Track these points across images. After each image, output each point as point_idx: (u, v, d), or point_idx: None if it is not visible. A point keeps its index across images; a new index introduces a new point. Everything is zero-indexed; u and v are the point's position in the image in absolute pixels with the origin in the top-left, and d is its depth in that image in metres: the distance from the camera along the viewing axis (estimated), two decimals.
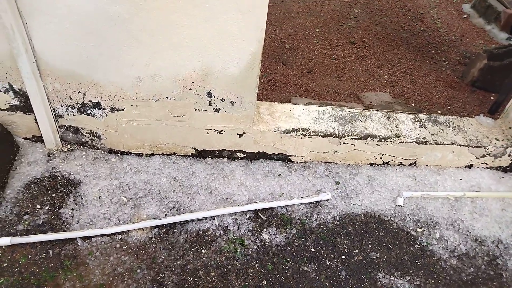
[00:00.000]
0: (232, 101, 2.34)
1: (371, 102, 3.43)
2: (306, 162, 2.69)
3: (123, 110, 2.37)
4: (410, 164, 2.72)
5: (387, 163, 2.71)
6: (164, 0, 1.90)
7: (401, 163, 2.71)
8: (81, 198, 2.32)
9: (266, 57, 4.03)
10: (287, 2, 5.33)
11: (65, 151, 2.56)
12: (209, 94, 2.30)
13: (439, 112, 3.43)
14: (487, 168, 2.76)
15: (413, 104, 3.50)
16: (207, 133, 2.50)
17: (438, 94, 3.73)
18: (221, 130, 2.49)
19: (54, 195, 2.33)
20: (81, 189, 2.37)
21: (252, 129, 2.49)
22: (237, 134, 2.52)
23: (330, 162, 2.70)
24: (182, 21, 1.98)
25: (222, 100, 2.33)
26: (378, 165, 2.72)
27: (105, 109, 2.37)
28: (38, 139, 2.54)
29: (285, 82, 3.66)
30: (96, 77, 2.22)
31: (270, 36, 4.45)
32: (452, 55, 4.58)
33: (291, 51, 4.22)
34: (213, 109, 2.37)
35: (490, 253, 2.32)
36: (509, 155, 2.68)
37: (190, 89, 2.27)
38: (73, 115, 2.42)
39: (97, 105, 2.36)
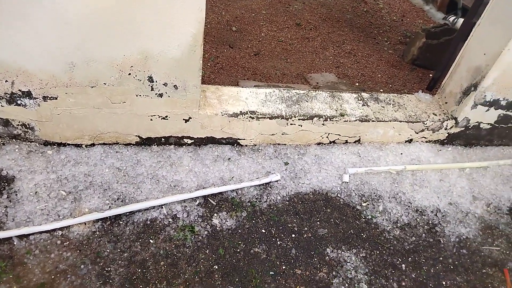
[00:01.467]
0: (176, 85, 2.26)
1: (317, 83, 3.47)
2: (255, 145, 2.69)
3: (56, 98, 2.21)
4: (355, 142, 2.80)
5: (334, 141, 2.77)
6: None
7: (346, 141, 2.78)
8: (16, 195, 2.16)
9: (212, 40, 3.94)
10: None
11: None
12: (151, 79, 2.21)
13: (381, 90, 3.55)
14: (426, 142, 2.90)
15: (357, 84, 3.60)
16: (151, 119, 2.41)
17: (381, 73, 3.86)
18: (166, 116, 2.41)
19: None
20: (15, 185, 2.21)
21: (198, 113, 2.43)
22: (183, 119, 2.45)
23: (278, 144, 2.71)
24: (115, 4, 1.86)
25: (165, 84, 2.25)
26: (325, 144, 2.77)
27: (37, 98, 2.21)
28: None
29: (232, 65, 3.60)
30: (24, 64, 2.05)
31: (216, 18, 4.35)
32: (394, 35, 4.74)
33: (238, 34, 4.15)
34: (156, 94, 2.28)
35: (430, 222, 2.46)
36: (445, 129, 2.84)
37: (129, 74, 2.16)
38: (2, 106, 2.23)
39: (28, 94, 2.18)
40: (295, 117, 2.58)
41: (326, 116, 2.62)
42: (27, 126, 2.34)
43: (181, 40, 2.06)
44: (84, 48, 2.01)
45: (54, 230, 2.07)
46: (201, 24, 2.02)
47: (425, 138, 2.87)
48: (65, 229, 2.08)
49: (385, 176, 2.64)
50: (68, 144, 2.46)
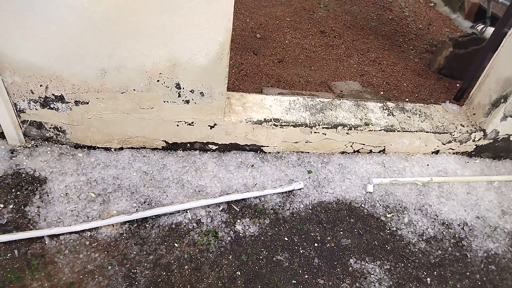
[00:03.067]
0: (202, 92, 2.30)
1: (341, 91, 3.46)
2: (278, 152, 2.70)
3: (88, 103, 2.29)
4: (379, 152, 2.77)
5: (357, 151, 2.75)
6: None
7: (370, 151, 2.76)
8: (47, 196, 2.24)
9: (237, 47, 3.99)
10: None
11: (29, 147, 2.46)
12: (178, 86, 2.25)
13: (407, 100, 3.51)
14: (453, 153, 2.85)
15: (381, 93, 3.56)
16: (178, 125, 2.46)
17: (406, 82, 3.81)
18: (192, 122, 2.46)
19: (18, 193, 2.24)
20: (47, 186, 2.29)
21: (223, 120, 2.47)
22: (208, 125, 2.49)
23: (302, 152, 2.72)
24: (144, 10, 1.92)
25: (192, 91, 2.29)
26: (348, 153, 2.76)
27: (69, 102, 2.29)
28: (0, 135, 2.43)
29: (256, 72, 3.63)
30: (58, 69, 2.13)
31: (241, 25, 4.40)
32: (420, 43, 4.68)
33: (262, 41, 4.19)
34: (183, 100, 2.33)
35: (456, 236, 2.41)
36: (473, 141, 2.78)
37: (158, 80, 2.22)
38: (36, 109, 2.32)
39: (61, 99, 2.27)
40: (319, 125, 2.58)
41: (351, 125, 2.61)
42: (59, 129, 2.42)
43: (208, 49, 2.10)
44: (115, 55, 2.08)
45: (83, 231, 2.13)
46: (228, 33, 2.06)
47: (452, 149, 2.82)
48: (93, 230, 2.14)
49: (411, 187, 2.60)
50: (98, 148, 2.53)
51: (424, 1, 5.98)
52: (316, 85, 3.56)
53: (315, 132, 2.60)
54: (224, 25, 2.01)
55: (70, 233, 2.11)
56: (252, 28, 4.40)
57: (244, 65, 3.72)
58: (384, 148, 2.76)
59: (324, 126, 2.59)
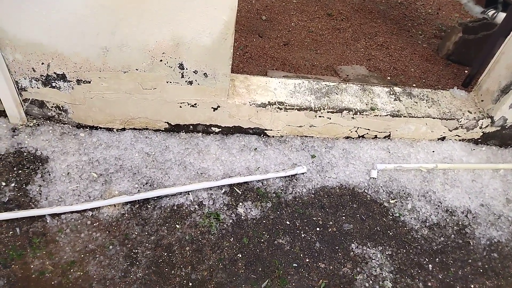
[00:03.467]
0: (206, 73, 2.26)
1: (347, 75, 3.40)
2: (282, 136, 2.67)
3: (90, 82, 2.26)
4: (385, 137, 2.74)
5: (362, 136, 2.72)
6: None
7: (375, 136, 2.73)
8: (49, 175, 2.24)
9: (242, 29, 3.91)
10: None
11: (30, 126, 2.44)
12: (181, 66, 2.21)
13: (414, 85, 3.45)
14: (459, 140, 2.81)
15: (388, 78, 3.50)
16: (180, 106, 2.43)
17: (414, 67, 3.74)
18: (195, 104, 2.42)
19: (20, 171, 2.23)
20: (49, 165, 2.28)
21: (227, 102, 2.43)
22: (212, 107, 2.45)
23: (306, 136, 2.69)
24: None
25: (195, 72, 2.25)
26: (353, 138, 2.72)
27: (71, 81, 2.26)
28: (1, 113, 2.40)
29: (261, 54, 3.57)
30: (60, 47, 2.10)
31: (246, 7, 4.31)
32: (428, 28, 4.58)
33: (267, 23, 4.11)
34: (186, 81, 2.29)
35: (460, 223, 2.39)
36: (480, 128, 2.73)
37: (161, 60, 2.18)
38: (38, 88, 2.29)
39: (62, 77, 2.24)
40: (324, 109, 2.54)
41: (356, 110, 2.57)
42: (61, 109, 2.40)
43: (212, 28, 2.05)
44: (117, 32, 2.03)
45: (85, 210, 2.13)
46: (234, 12, 2.00)
47: (458, 136, 2.78)
48: (95, 210, 2.14)
49: (415, 173, 2.58)
50: (100, 128, 2.51)
51: None
52: (322, 69, 3.50)
53: (320, 116, 2.56)
54: (229, 2, 1.96)
55: (72, 212, 2.11)
56: (258, 9, 4.31)
57: (249, 47, 3.66)
58: (390, 134, 2.72)
59: (329, 110, 2.55)
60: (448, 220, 2.39)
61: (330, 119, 2.58)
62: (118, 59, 2.15)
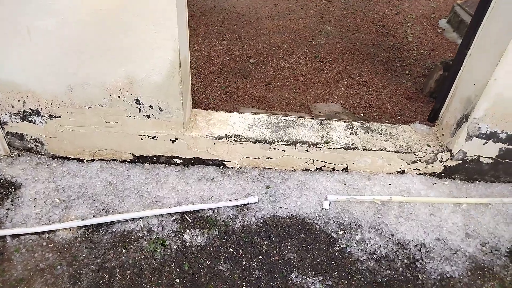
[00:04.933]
0: (160, 108, 2.47)
1: (320, 112, 3.52)
2: (240, 168, 2.78)
3: (60, 117, 2.52)
4: (342, 170, 2.78)
5: (320, 168, 2.78)
6: (84, 12, 2.07)
7: (333, 169, 2.77)
8: (18, 199, 2.46)
9: (228, 71, 4.18)
10: (262, 21, 5.53)
11: (11, 156, 2.72)
12: (138, 101, 2.44)
13: (387, 121, 3.49)
14: (420, 174, 2.79)
15: (362, 114, 3.57)
16: (141, 139, 2.63)
17: (391, 104, 3.80)
18: (154, 136, 2.62)
19: None
20: (20, 191, 2.51)
21: (184, 135, 2.61)
22: (170, 140, 2.63)
23: (264, 168, 2.78)
24: (102, 34, 2.14)
25: (151, 107, 2.47)
26: (311, 170, 2.78)
27: (44, 116, 2.53)
28: None
29: (241, 94, 3.78)
30: (32, 86, 2.39)
31: (237, 51, 4.61)
32: (417, 68, 4.64)
33: (254, 65, 4.36)
34: (144, 115, 2.50)
35: (411, 256, 2.34)
36: (441, 161, 2.72)
37: (119, 96, 2.41)
38: (16, 122, 2.59)
39: (37, 113, 2.52)
40: (278, 142, 2.65)
41: (310, 143, 2.66)
42: (38, 141, 2.67)
43: (160, 67, 2.27)
44: (79, 72, 2.30)
45: (43, 232, 2.30)
46: (176, 53, 2.22)
47: (418, 170, 2.77)
48: (52, 232, 2.31)
49: (369, 206, 2.57)
50: (72, 158, 2.75)
51: (432, 28, 5.95)
52: (297, 106, 3.64)
53: (274, 149, 2.67)
54: (171, 45, 2.19)
55: (31, 234, 2.29)
56: (248, 54, 4.60)
57: (231, 87, 3.89)
58: (347, 167, 2.76)
59: (284, 143, 2.65)
60: (398, 253, 2.35)
61: (285, 151, 2.68)
62: (82, 96, 2.41)
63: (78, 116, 2.51)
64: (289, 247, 2.34)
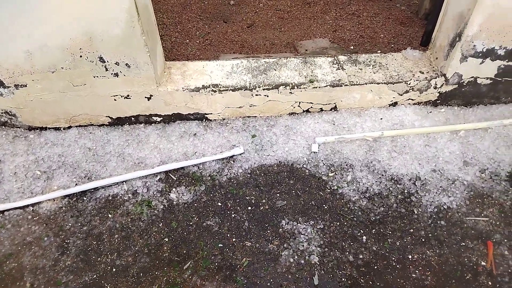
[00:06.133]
0: (127, 64, 2.30)
1: (306, 50, 3.29)
2: (224, 119, 2.65)
3: (26, 86, 2.38)
4: (331, 109, 2.62)
5: (307, 110, 2.62)
6: None
7: (321, 109, 2.62)
8: None
9: (207, 17, 3.90)
10: None
11: None
12: (102, 59, 2.26)
13: (379, 51, 3.25)
14: (414, 104, 2.62)
15: (352, 47, 3.33)
16: (115, 99, 2.49)
17: (384, 32, 3.52)
18: (128, 95, 2.47)
19: None
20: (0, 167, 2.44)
21: (158, 90, 2.46)
22: (145, 97, 2.49)
23: (248, 116, 2.64)
24: None
25: (117, 63, 2.29)
26: (298, 114, 2.64)
27: (10, 86, 2.39)
28: None
29: (221, 40, 3.54)
30: None
31: None
32: None
33: (235, 7, 4.06)
34: (111, 74, 2.34)
35: (405, 191, 2.25)
36: (435, 88, 2.53)
37: (81, 56, 2.24)
38: None
39: (1, 84, 2.37)
40: (259, 87, 2.48)
41: (294, 84, 2.48)
42: (10, 113, 2.55)
43: (117, 18, 2.07)
44: (34, 34, 2.12)
45: (27, 206, 2.26)
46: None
47: (412, 99, 2.59)
48: (36, 205, 2.27)
49: (360, 144, 2.45)
50: (49, 128, 2.64)
51: None
52: (282, 46, 3.41)
53: (256, 95, 2.51)
54: None
55: (15, 208, 2.25)
56: None
57: (210, 34, 3.64)
58: (335, 105, 2.60)
59: (265, 88, 2.49)
60: (391, 189, 2.25)
61: (268, 96, 2.52)
62: (43, 61, 2.24)
63: (44, 82, 2.36)
64: (278, 195, 2.26)
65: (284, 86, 2.48)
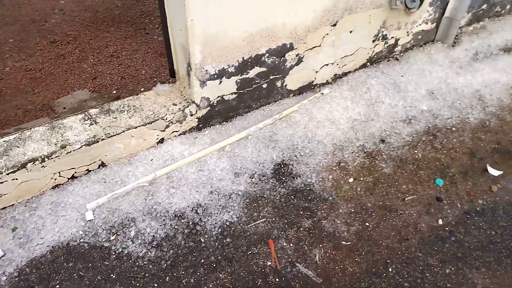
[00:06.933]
0: None
1: (64, 108, 3.05)
2: None
3: None
4: (99, 167, 2.48)
5: (73, 176, 2.41)
6: None
7: (88, 170, 2.44)
8: None
9: None
10: None
11: None
12: None
13: (142, 89, 3.26)
14: (180, 135, 2.70)
15: (114, 92, 3.25)
16: None
17: (145, 68, 3.56)
18: None
19: None
20: None
21: None
22: None
23: (3, 208, 2.27)
24: None
25: None
26: (63, 184, 2.40)
27: None
28: None
29: None
30: None
31: None
32: None
33: None
34: None
35: (190, 223, 2.28)
36: (191, 115, 2.65)
37: None
38: None
39: None
40: (3, 172, 2.14)
41: (44, 156, 2.23)
42: None
43: None
44: None
45: None
46: None
47: (176, 131, 2.66)
48: None
49: (137, 193, 2.38)
50: None
51: None
52: (37, 111, 3.08)
53: (4, 182, 2.16)
54: None
55: None
56: None
57: None
58: (102, 161, 2.46)
59: (10, 171, 2.16)
60: (177, 226, 2.25)
61: (17, 179, 2.20)
62: None
63: None
64: (58, 286, 1.99)
65: (32, 163, 2.21)
